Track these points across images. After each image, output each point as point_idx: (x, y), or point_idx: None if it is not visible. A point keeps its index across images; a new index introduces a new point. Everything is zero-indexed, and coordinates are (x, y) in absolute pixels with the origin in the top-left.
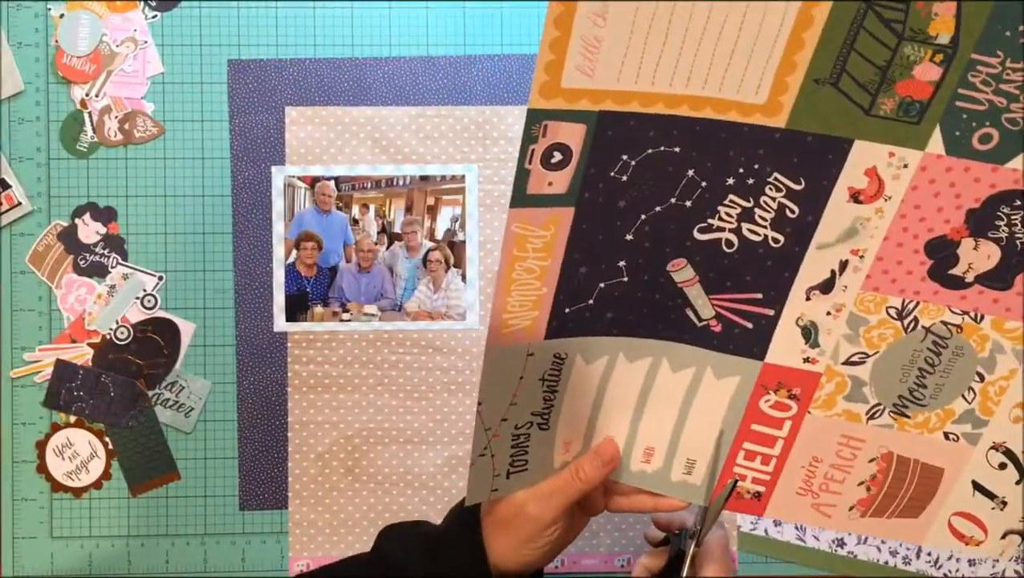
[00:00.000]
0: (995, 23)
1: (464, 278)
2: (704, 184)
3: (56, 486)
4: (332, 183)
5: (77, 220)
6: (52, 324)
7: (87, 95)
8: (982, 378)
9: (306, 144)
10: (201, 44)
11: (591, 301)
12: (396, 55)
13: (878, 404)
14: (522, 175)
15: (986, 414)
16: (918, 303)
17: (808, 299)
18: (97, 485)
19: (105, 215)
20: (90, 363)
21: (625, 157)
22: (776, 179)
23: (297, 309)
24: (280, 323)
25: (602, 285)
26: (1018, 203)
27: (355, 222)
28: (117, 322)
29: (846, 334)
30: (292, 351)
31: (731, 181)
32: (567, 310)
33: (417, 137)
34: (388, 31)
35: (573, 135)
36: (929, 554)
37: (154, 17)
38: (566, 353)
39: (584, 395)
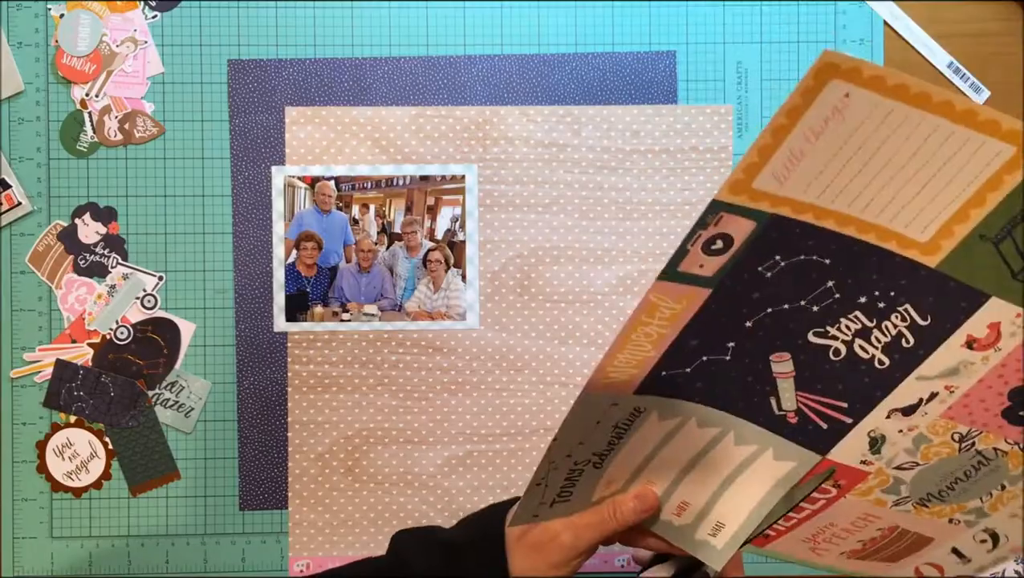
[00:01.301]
0: None
1: (464, 278)
2: (837, 296)
3: (56, 486)
4: (332, 183)
5: (77, 220)
6: (52, 324)
7: (87, 95)
8: (1003, 488)
9: (306, 144)
10: (201, 44)
11: (688, 370)
12: (396, 55)
13: (907, 497)
14: (680, 253)
15: (992, 511)
16: (982, 432)
17: (888, 417)
18: (97, 485)
19: (105, 215)
20: (90, 363)
21: (778, 257)
22: (906, 309)
23: (297, 309)
24: (280, 323)
25: (704, 358)
26: None
27: (355, 222)
28: (117, 322)
29: (907, 448)
30: (292, 351)
31: (863, 300)
32: (663, 373)
33: (417, 137)
34: (388, 31)
35: (740, 228)
36: None
37: (154, 17)
38: (645, 408)
39: (645, 446)
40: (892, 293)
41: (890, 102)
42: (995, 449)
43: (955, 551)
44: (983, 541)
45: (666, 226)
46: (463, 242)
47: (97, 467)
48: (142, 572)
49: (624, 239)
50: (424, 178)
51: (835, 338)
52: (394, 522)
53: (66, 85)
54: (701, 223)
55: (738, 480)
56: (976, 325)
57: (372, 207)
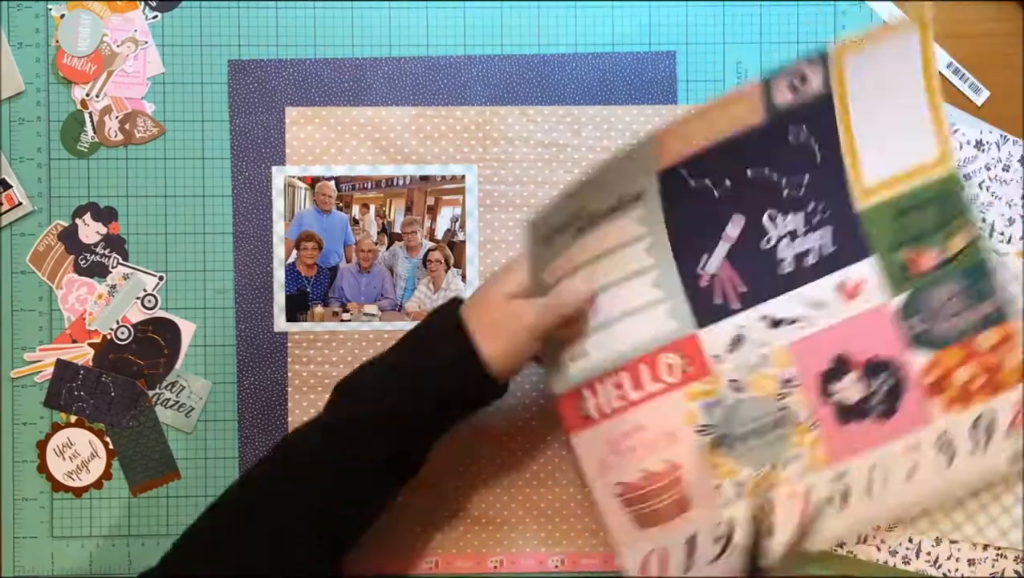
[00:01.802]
0: (980, 274)
1: (464, 278)
2: (803, 191)
3: (56, 486)
4: (332, 183)
5: (78, 220)
6: (53, 324)
7: (88, 95)
8: (773, 468)
9: (306, 144)
10: (201, 44)
11: (692, 184)
12: (396, 55)
13: (712, 426)
14: (786, 71)
15: (748, 496)
16: (798, 386)
17: (759, 320)
18: (98, 485)
19: (106, 215)
20: (90, 363)
21: (805, 128)
22: (827, 230)
23: (297, 309)
24: (280, 323)
25: (707, 182)
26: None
27: (355, 222)
28: (117, 322)
29: (750, 364)
30: (292, 351)
31: (811, 207)
32: (682, 170)
33: (417, 137)
34: (388, 31)
35: (814, 84)
36: (928, 554)
37: (154, 17)
38: (643, 197)
39: (603, 242)
40: (827, 212)
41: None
42: (797, 415)
43: (690, 541)
44: (718, 539)
45: None
46: (463, 242)
47: (97, 467)
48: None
49: None
50: (424, 178)
51: (775, 228)
52: (394, 522)
53: (66, 85)
54: (817, 56)
55: (628, 320)
56: (853, 273)
57: (372, 207)
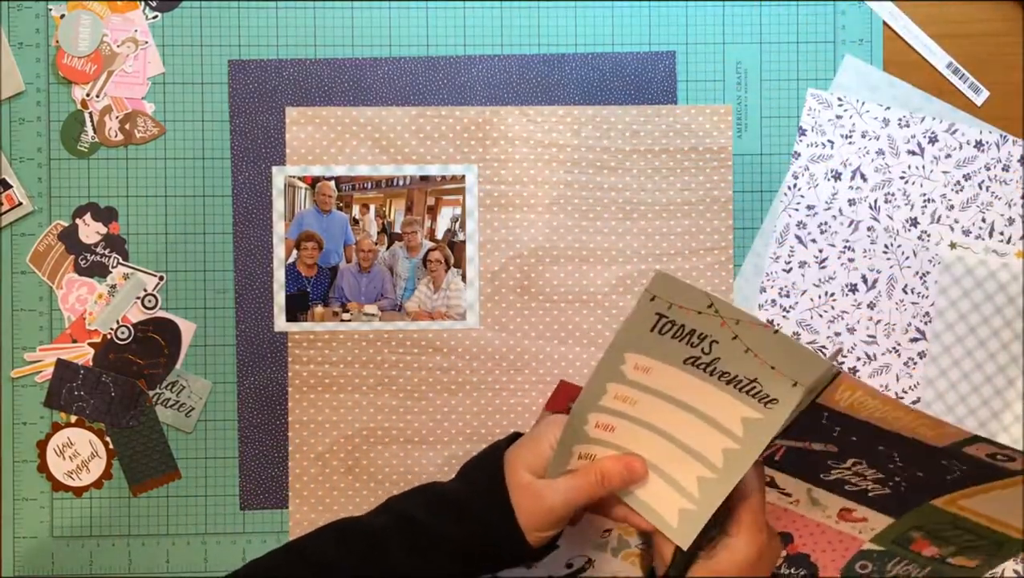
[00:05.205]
0: None
1: (464, 278)
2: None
3: (57, 486)
4: (332, 183)
5: (78, 220)
6: (53, 324)
7: (88, 95)
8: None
9: (306, 144)
10: (201, 44)
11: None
12: (396, 55)
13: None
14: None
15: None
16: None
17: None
18: (98, 485)
19: (106, 215)
20: (91, 363)
21: (966, 468)
22: (888, 493)
23: (297, 309)
24: (280, 323)
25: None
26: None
27: (355, 222)
28: (118, 322)
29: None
30: (292, 351)
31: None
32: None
33: (417, 137)
34: (388, 31)
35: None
36: None
37: (155, 17)
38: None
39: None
40: (905, 489)
41: None
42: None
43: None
44: (568, 565)
45: (666, 226)
46: (463, 242)
47: (98, 467)
48: (142, 572)
49: (624, 239)
50: (424, 178)
51: (849, 466)
52: None
53: (67, 85)
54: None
55: (650, 476)
56: (865, 513)
57: (372, 207)
